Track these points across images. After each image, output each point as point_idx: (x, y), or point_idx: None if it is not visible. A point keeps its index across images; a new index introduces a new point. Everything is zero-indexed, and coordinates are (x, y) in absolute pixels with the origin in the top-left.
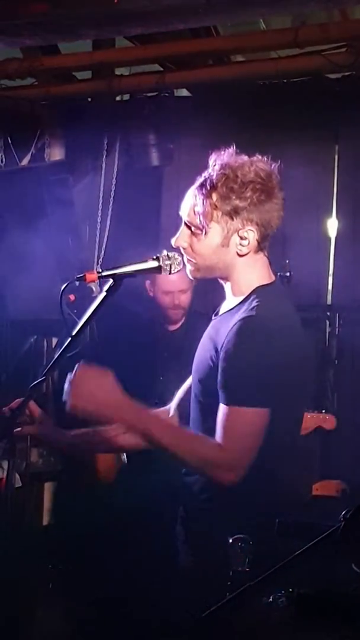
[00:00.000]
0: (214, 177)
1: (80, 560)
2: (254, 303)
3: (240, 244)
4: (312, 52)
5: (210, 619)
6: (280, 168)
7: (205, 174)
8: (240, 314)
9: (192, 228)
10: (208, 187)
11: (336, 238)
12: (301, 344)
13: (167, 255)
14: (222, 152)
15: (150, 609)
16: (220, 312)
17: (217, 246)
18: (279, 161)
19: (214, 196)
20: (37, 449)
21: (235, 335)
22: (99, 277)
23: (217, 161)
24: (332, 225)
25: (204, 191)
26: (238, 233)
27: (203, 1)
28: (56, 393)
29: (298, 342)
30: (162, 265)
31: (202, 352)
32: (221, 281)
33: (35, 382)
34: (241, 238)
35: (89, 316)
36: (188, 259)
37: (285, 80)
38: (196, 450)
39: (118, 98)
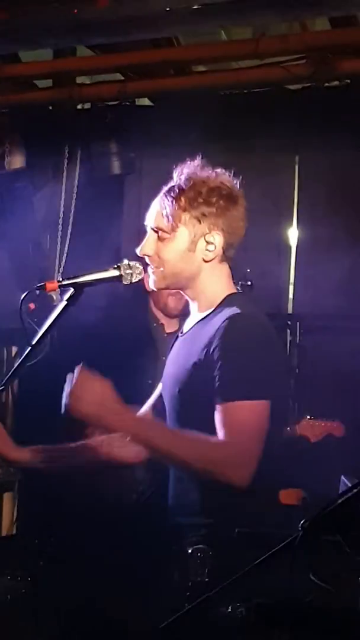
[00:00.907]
0: (182, 182)
1: (41, 571)
2: (234, 304)
3: (207, 249)
4: (272, 63)
5: (169, 629)
6: (242, 182)
7: (172, 182)
8: (220, 317)
9: (159, 233)
10: (177, 191)
11: (297, 247)
12: (279, 344)
13: (128, 264)
14: (189, 163)
15: (109, 620)
16: (187, 329)
17: (184, 251)
18: (240, 176)
19: (183, 199)
20: None
21: (225, 333)
22: (59, 286)
23: (184, 170)
24: (293, 234)
25: (172, 194)
26: (205, 237)
27: (163, 11)
28: (16, 402)
29: (278, 342)
30: (123, 274)
31: (174, 369)
32: (186, 297)
33: None
34: (207, 243)
35: (49, 325)
36: (153, 269)
37: (245, 91)
38: (201, 452)
39: (79, 107)
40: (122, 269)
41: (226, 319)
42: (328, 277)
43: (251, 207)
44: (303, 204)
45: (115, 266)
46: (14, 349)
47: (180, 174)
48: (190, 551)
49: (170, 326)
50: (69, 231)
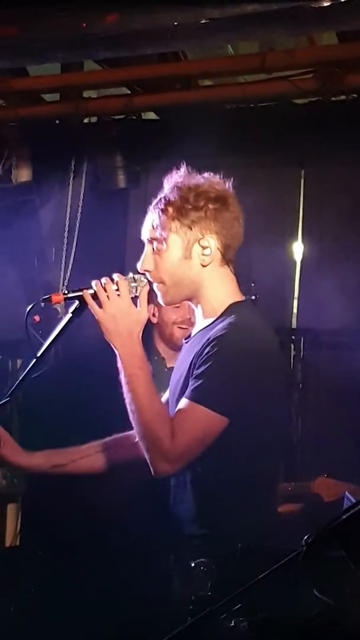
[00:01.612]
0: (168, 192)
1: (46, 583)
2: (228, 320)
3: (203, 254)
4: (279, 77)
5: None
6: (234, 184)
7: (160, 194)
8: (216, 331)
9: (154, 244)
10: (164, 202)
11: (302, 262)
12: (275, 365)
13: (133, 277)
14: (175, 172)
15: (112, 633)
16: (192, 336)
17: (179, 259)
18: (232, 178)
19: (170, 209)
20: (0, 470)
21: (211, 345)
22: (65, 299)
23: (170, 180)
24: (298, 249)
25: (160, 206)
26: (199, 242)
27: (171, 26)
28: (21, 414)
29: (269, 365)
30: (128, 287)
31: (177, 376)
32: (192, 305)
33: None
34: (203, 247)
35: (54, 337)
36: (157, 286)
37: (252, 105)
38: (154, 425)
39: (86, 120)
40: (127, 282)
41: (223, 326)
42: (333, 291)
43: (256, 221)
44: (308, 219)
45: None
46: (19, 361)
47: (168, 184)
48: (193, 565)
49: (171, 361)
50: (75, 244)
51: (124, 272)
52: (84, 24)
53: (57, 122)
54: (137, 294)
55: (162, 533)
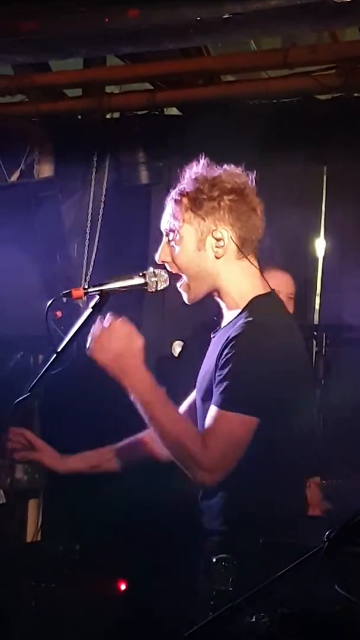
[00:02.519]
0: (184, 183)
1: (67, 578)
2: (246, 318)
3: (217, 246)
4: (301, 73)
5: (193, 638)
6: (256, 177)
7: (178, 185)
8: (235, 329)
9: (170, 236)
10: (179, 192)
11: (324, 258)
12: (296, 360)
13: (154, 272)
14: (195, 164)
15: (135, 627)
16: (220, 330)
17: (193, 251)
18: (254, 171)
19: (185, 199)
20: (21, 466)
21: (235, 342)
22: (86, 294)
23: (187, 171)
24: (320, 245)
25: (175, 196)
26: (212, 234)
27: (194, 21)
28: (42, 409)
29: (291, 358)
30: (148, 281)
31: (203, 372)
32: (216, 298)
33: (20, 399)
34: (216, 239)
35: (75, 332)
36: (180, 286)
37: (274, 101)
38: (184, 442)
39: (108, 116)
40: (147, 276)
41: (240, 325)
42: (355, 288)
43: (278, 217)
44: (331, 214)
45: (141, 274)
46: (41, 357)
47: (184, 176)
48: (214, 560)
49: None
50: (97, 240)
51: (145, 268)
52: (106, 19)
53: (79, 117)
54: (158, 289)
55: (185, 528)
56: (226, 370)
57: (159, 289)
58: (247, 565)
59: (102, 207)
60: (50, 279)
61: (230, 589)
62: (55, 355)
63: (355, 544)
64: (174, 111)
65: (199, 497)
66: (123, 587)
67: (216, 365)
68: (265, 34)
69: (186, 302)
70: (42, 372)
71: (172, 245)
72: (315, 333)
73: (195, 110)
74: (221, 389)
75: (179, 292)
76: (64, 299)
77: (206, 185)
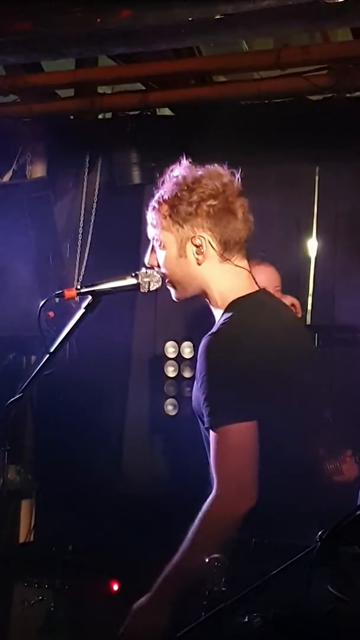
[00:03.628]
0: (164, 188)
1: (60, 578)
2: (222, 319)
3: (197, 252)
4: (293, 73)
5: (186, 638)
6: (242, 175)
7: (158, 189)
8: (207, 335)
9: (154, 243)
10: (157, 199)
11: (316, 258)
12: (279, 352)
13: (146, 272)
14: (176, 165)
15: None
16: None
17: (175, 257)
18: (240, 169)
19: (164, 206)
20: (14, 467)
21: (200, 356)
22: (78, 294)
23: (168, 175)
24: (312, 246)
25: (154, 204)
26: (191, 241)
27: (186, 22)
28: (34, 409)
29: (273, 351)
30: (141, 282)
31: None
32: (205, 299)
33: (12, 400)
34: (196, 246)
35: (67, 333)
36: (167, 283)
37: (266, 101)
38: (209, 536)
39: (100, 116)
40: (139, 277)
41: (204, 337)
42: (348, 288)
43: (271, 217)
44: (323, 215)
45: (133, 274)
46: (33, 357)
47: (165, 180)
48: (207, 560)
49: None
50: (89, 240)
51: (138, 268)
52: (98, 19)
53: (72, 117)
54: (150, 289)
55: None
56: (202, 383)
57: (151, 289)
58: (240, 565)
59: (94, 207)
60: (42, 280)
61: (223, 589)
62: (47, 356)
63: (347, 544)
64: (166, 111)
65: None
66: (116, 587)
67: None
68: (257, 34)
69: (174, 299)
70: (34, 372)
71: (157, 251)
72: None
73: (187, 110)
74: (205, 407)
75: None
76: (57, 300)
77: (185, 190)
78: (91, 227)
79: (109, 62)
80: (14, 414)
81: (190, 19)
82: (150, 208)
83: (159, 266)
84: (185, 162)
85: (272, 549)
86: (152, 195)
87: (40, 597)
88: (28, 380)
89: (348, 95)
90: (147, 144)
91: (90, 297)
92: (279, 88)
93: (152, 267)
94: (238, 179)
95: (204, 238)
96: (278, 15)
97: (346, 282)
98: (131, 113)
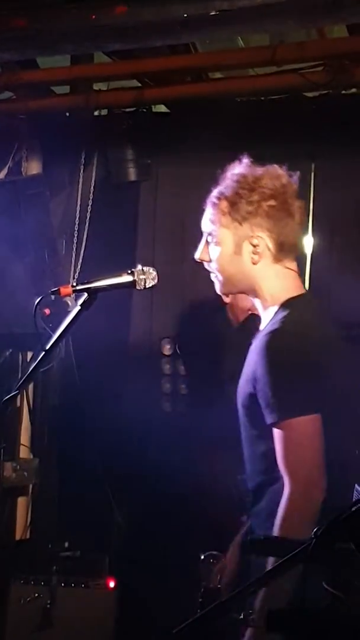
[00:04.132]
0: (223, 185)
1: (56, 575)
2: (279, 316)
3: (253, 252)
4: (289, 70)
5: (181, 635)
6: (299, 177)
7: (219, 186)
8: (266, 332)
9: (208, 238)
10: (218, 195)
11: (312, 255)
12: (332, 348)
13: (142, 269)
14: (236, 163)
15: (126, 624)
16: (258, 334)
17: (230, 255)
18: (297, 172)
19: (224, 203)
20: (10, 464)
21: (260, 353)
22: (74, 291)
23: (229, 172)
24: (308, 243)
25: (214, 200)
26: (249, 240)
27: (181, 18)
28: (30, 406)
29: (329, 347)
30: (137, 279)
31: (243, 376)
32: (251, 298)
33: (8, 396)
34: (253, 245)
35: (63, 330)
36: (214, 276)
37: (262, 98)
38: (294, 532)
39: (96, 113)
40: (135, 274)
41: (266, 334)
42: (344, 284)
43: None
44: (318, 212)
45: (129, 271)
46: (30, 354)
47: (223, 177)
48: (202, 557)
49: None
50: (85, 237)
51: (134, 265)
52: (93, 16)
53: (67, 114)
54: (146, 287)
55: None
56: (264, 381)
57: (147, 286)
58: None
59: (90, 204)
60: (38, 277)
61: (219, 585)
62: (43, 353)
63: (342, 541)
64: (162, 108)
65: (250, 503)
66: (112, 584)
67: (250, 373)
68: (253, 30)
69: (218, 292)
70: (30, 369)
71: (211, 246)
72: None
73: (183, 107)
74: (270, 402)
75: (168, 289)
76: (52, 297)
77: (246, 189)
78: (87, 223)
79: (105, 59)
80: (10, 410)
81: (185, 15)
82: (209, 203)
83: (209, 261)
84: (245, 160)
85: (268, 545)
86: (148, 192)
87: (36, 595)
88: (24, 378)
89: (344, 91)
90: (142, 140)
91: (85, 295)
92: (275, 85)
93: (150, 263)
94: (295, 181)
95: (262, 238)
96: (273, 11)
97: (342, 279)
98: (127, 110)
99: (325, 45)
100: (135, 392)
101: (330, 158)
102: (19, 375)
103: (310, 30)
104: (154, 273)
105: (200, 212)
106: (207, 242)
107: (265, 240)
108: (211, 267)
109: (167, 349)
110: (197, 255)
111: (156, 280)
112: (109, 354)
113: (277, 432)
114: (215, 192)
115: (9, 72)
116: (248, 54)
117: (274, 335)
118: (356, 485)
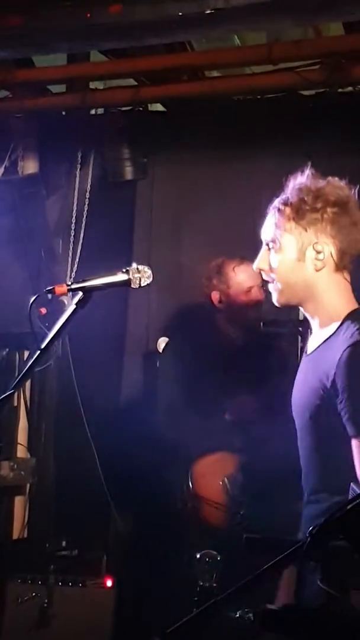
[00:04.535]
0: (288, 192)
1: (54, 574)
2: (355, 327)
3: (316, 258)
4: (285, 68)
5: (176, 634)
6: (358, 192)
7: (282, 194)
8: (343, 341)
9: (270, 245)
10: (282, 202)
11: None
12: None
13: (137, 268)
14: (299, 174)
15: (123, 623)
16: (311, 349)
17: (293, 261)
18: (358, 186)
19: (288, 209)
20: (7, 463)
21: (348, 364)
22: (69, 290)
23: (293, 181)
24: None
25: (279, 206)
26: (313, 246)
27: (176, 16)
28: (27, 405)
29: None
30: (132, 278)
31: (305, 389)
32: (307, 315)
33: (4, 396)
34: (317, 252)
35: (59, 329)
36: (272, 285)
37: (259, 96)
38: None
39: (92, 112)
40: (130, 273)
41: (348, 346)
42: None
43: (263, 213)
44: None
45: (124, 270)
46: (27, 353)
47: (288, 186)
48: (198, 556)
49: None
50: (82, 236)
51: (130, 264)
52: (88, 14)
53: (64, 113)
54: (141, 285)
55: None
56: (348, 394)
57: (142, 285)
58: (231, 560)
59: (86, 203)
60: (35, 276)
61: (214, 584)
62: (38, 352)
63: (338, 539)
64: (158, 107)
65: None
66: (109, 582)
67: (323, 385)
68: (248, 29)
69: (275, 303)
70: (25, 369)
71: (272, 254)
72: (300, 329)
73: (179, 106)
74: (352, 415)
75: (165, 288)
76: (50, 296)
77: (310, 196)
78: (83, 222)
79: (101, 58)
80: (7, 410)
81: (180, 13)
82: (273, 210)
83: (269, 270)
84: (308, 171)
85: (263, 544)
86: (144, 191)
87: (33, 594)
88: (20, 377)
89: (340, 90)
90: (139, 139)
91: (81, 293)
92: (271, 83)
93: (145, 262)
94: (356, 194)
95: (326, 244)
96: (268, 9)
97: None
98: (123, 109)
99: (321, 43)
100: (131, 391)
101: (326, 156)
102: (17, 375)
103: (306, 29)
104: (149, 272)
105: (197, 210)
106: (268, 250)
107: (329, 247)
108: (270, 276)
109: (162, 348)
110: (256, 265)
111: (151, 279)
112: (105, 352)
113: (357, 445)
114: (279, 199)
115: (5, 70)
116: (244, 53)
117: (355, 350)
118: (352, 485)
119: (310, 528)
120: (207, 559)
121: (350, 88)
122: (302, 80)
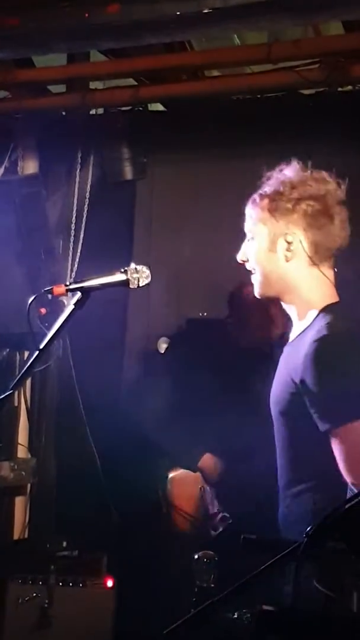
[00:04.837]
0: (268, 184)
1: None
2: (324, 322)
3: (287, 249)
4: (285, 68)
5: (174, 634)
6: (347, 185)
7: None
8: (311, 335)
9: (247, 235)
10: (259, 193)
11: None
12: None
13: (135, 268)
14: (284, 166)
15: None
16: (290, 339)
17: (264, 250)
18: (347, 178)
19: (265, 200)
20: (7, 463)
21: (312, 359)
22: (67, 290)
23: (276, 173)
24: None
25: (256, 197)
26: (284, 237)
27: (174, 16)
28: (27, 406)
29: None
30: (130, 278)
31: (279, 383)
32: (285, 306)
33: (3, 396)
34: (287, 242)
35: (57, 329)
36: (254, 277)
37: (258, 96)
38: None
39: (92, 112)
40: (129, 273)
41: (314, 340)
42: (340, 282)
43: None
44: None
45: (122, 270)
46: (27, 353)
47: (268, 177)
48: (196, 557)
49: None
50: (82, 236)
51: (129, 264)
52: (86, 14)
53: (63, 113)
54: (140, 285)
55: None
56: (319, 388)
57: (140, 285)
58: (229, 561)
59: (86, 203)
60: (34, 276)
61: (212, 585)
62: (37, 352)
63: (334, 540)
64: (158, 107)
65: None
66: (110, 583)
67: (292, 380)
68: (247, 28)
69: (255, 295)
70: (24, 369)
71: (248, 244)
72: None
73: (179, 105)
74: (327, 408)
75: (164, 288)
76: (49, 296)
77: (287, 187)
78: (83, 223)
79: (101, 58)
80: (7, 410)
81: (177, 12)
82: (250, 201)
83: (247, 260)
84: (294, 163)
85: (260, 544)
86: (144, 190)
87: (34, 594)
88: (19, 377)
89: (340, 89)
90: (139, 139)
91: (79, 294)
92: (271, 82)
93: (144, 262)
94: (343, 189)
95: (296, 235)
96: (268, 9)
97: (338, 277)
98: (123, 108)
99: (320, 42)
100: (132, 391)
101: (326, 155)
102: (17, 375)
103: (306, 28)
104: (147, 272)
105: (197, 210)
106: (247, 241)
107: (299, 238)
108: (249, 266)
109: (163, 348)
110: (239, 256)
111: (149, 279)
112: (106, 352)
113: (336, 438)
114: (258, 191)
115: (4, 70)
116: (244, 52)
117: (325, 341)
118: (350, 485)
119: (308, 529)
120: (205, 560)
121: (349, 87)
122: (302, 79)
